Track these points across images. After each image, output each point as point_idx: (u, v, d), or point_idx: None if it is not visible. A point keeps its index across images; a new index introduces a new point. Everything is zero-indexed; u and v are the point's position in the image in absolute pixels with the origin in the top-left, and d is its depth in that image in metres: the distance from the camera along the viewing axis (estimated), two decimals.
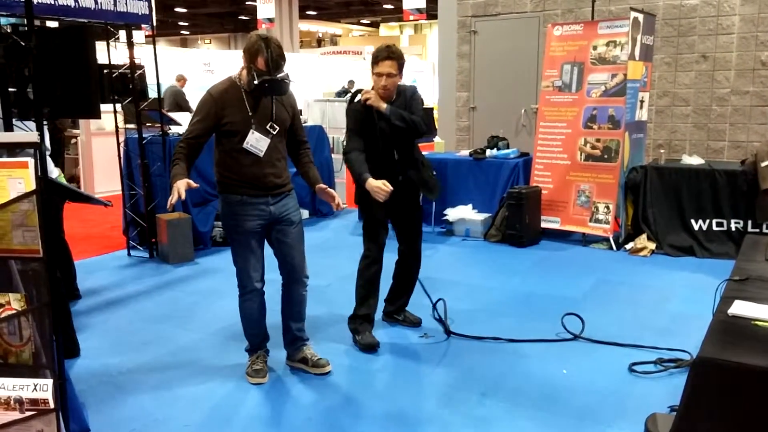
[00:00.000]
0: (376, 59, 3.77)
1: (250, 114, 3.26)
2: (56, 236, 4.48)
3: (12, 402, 2.41)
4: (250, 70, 3.18)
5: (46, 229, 2.37)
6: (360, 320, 4.00)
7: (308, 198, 7.49)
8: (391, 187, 3.63)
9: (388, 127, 3.82)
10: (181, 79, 12.54)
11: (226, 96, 3.25)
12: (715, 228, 5.99)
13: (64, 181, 4.67)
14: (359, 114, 3.84)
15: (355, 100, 3.87)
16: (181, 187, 3.09)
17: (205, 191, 6.23)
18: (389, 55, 3.74)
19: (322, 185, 3.46)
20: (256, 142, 3.27)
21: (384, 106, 3.79)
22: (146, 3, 5.96)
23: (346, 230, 7.18)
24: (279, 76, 3.18)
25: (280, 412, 3.21)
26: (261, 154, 3.29)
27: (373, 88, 3.84)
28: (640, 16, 6.37)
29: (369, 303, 3.99)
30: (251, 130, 3.26)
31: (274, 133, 3.32)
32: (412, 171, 3.98)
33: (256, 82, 3.15)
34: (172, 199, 3.09)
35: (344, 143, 3.99)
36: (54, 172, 4.40)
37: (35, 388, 2.41)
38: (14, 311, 2.40)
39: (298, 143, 3.55)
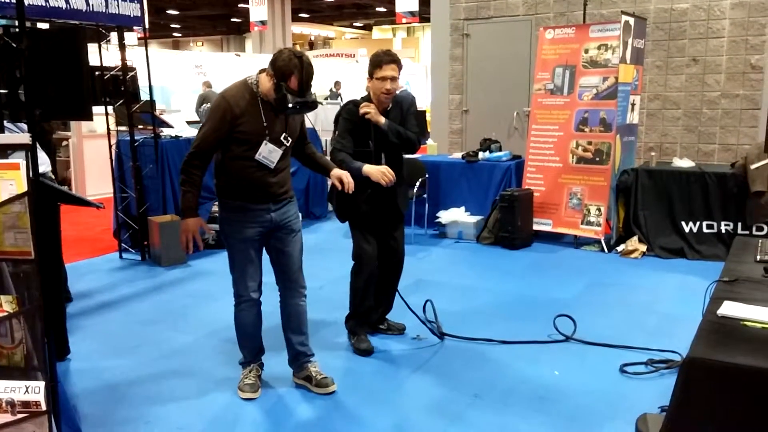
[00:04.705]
0: (380, 63, 3.68)
1: (265, 125, 3.14)
2: (54, 238, 4.39)
3: (4, 404, 2.40)
4: (279, 88, 3.03)
5: (43, 231, 2.37)
6: (358, 319, 3.98)
7: (301, 201, 7.48)
8: (393, 175, 3.58)
9: (382, 140, 3.77)
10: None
11: (243, 103, 3.10)
12: (705, 230, 6.02)
13: (50, 174, 4.59)
14: (354, 120, 3.77)
15: (351, 107, 3.80)
16: (194, 228, 3.14)
17: None
18: (393, 59, 3.69)
19: (337, 171, 3.39)
20: (269, 153, 3.16)
21: (382, 121, 3.73)
22: (138, 5, 5.96)
23: (338, 232, 7.17)
24: (310, 98, 3.10)
25: (272, 414, 3.21)
26: (272, 166, 3.18)
27: (370, 93, 3.78)
28: (631, 20, 6.41)
29: (367, 302, 3.95)
30: (265, 141, 3.14)
31: (288, 144, 3.24)
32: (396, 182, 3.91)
33: (290, 105, 3.04)
34: (190, 245, 3.13)
35: (332, 143, 3.91)
36: (43, 165, 4.29)
37: (27, 391, 2.40)
38: (6, 313, 2.39)
39: (303, 145, 3.47)
